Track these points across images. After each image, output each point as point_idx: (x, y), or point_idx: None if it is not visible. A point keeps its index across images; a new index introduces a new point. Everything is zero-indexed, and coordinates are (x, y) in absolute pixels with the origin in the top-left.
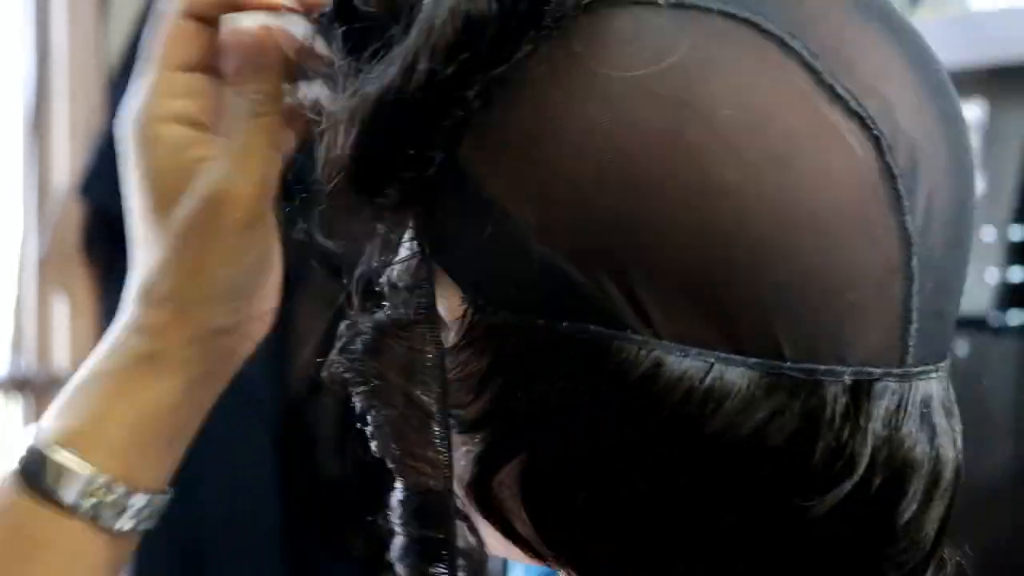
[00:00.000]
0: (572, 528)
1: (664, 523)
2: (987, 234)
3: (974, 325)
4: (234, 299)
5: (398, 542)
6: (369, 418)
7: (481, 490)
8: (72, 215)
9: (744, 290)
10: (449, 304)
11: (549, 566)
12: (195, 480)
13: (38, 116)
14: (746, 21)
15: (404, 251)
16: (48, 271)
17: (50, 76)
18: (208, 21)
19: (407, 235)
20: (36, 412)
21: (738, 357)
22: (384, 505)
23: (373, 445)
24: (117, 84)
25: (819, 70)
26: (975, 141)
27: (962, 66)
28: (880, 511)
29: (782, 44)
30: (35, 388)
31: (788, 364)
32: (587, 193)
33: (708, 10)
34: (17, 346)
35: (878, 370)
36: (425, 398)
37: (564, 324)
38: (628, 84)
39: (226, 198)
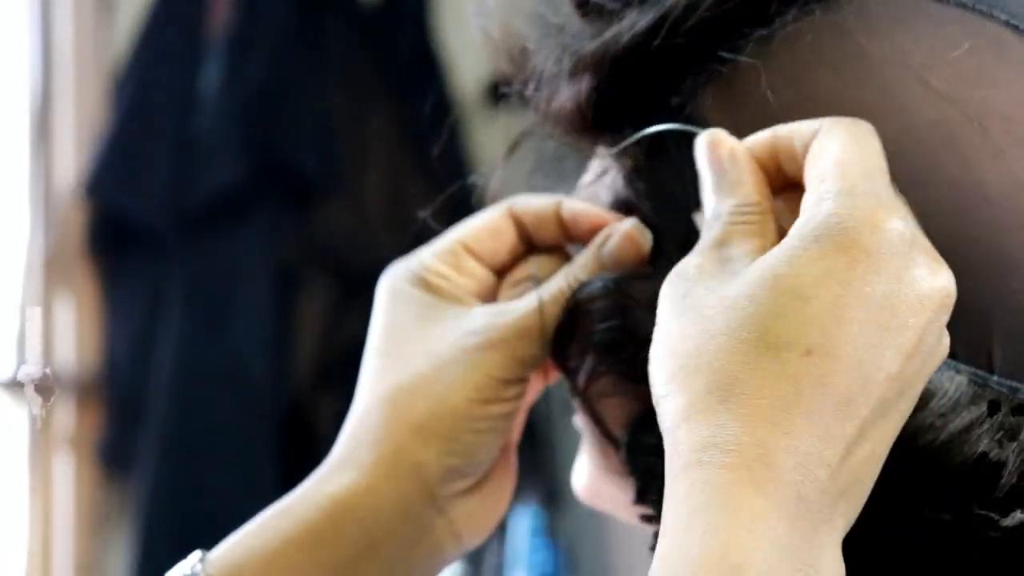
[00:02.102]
0: None
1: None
2: None
3: None
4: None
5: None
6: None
7: None
8: (77, 215)
9: (979, 297)
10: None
11: None
12: (197, 478)
13: (42, 116)
14: None
15: (607, 195)
16: (53, 271)
17: (54, 76)
18: (521, 227)
19: (617, 177)
20: (39, 413)
21: (950, 360)
22: None
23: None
24: (121, 83)
25: None
26: None
27: None
28: None
29: None
30: (38, 388)
31: (995, 378)
32: None
33: (992, 17)
34: (21, 346)
35: None
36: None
37: None
38: (903, 71)
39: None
